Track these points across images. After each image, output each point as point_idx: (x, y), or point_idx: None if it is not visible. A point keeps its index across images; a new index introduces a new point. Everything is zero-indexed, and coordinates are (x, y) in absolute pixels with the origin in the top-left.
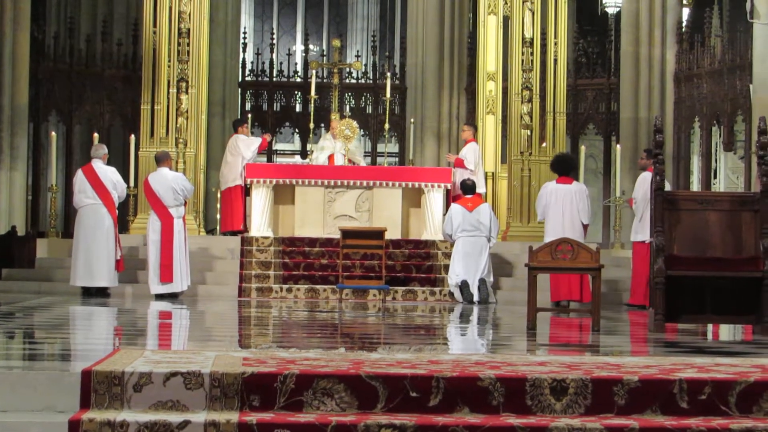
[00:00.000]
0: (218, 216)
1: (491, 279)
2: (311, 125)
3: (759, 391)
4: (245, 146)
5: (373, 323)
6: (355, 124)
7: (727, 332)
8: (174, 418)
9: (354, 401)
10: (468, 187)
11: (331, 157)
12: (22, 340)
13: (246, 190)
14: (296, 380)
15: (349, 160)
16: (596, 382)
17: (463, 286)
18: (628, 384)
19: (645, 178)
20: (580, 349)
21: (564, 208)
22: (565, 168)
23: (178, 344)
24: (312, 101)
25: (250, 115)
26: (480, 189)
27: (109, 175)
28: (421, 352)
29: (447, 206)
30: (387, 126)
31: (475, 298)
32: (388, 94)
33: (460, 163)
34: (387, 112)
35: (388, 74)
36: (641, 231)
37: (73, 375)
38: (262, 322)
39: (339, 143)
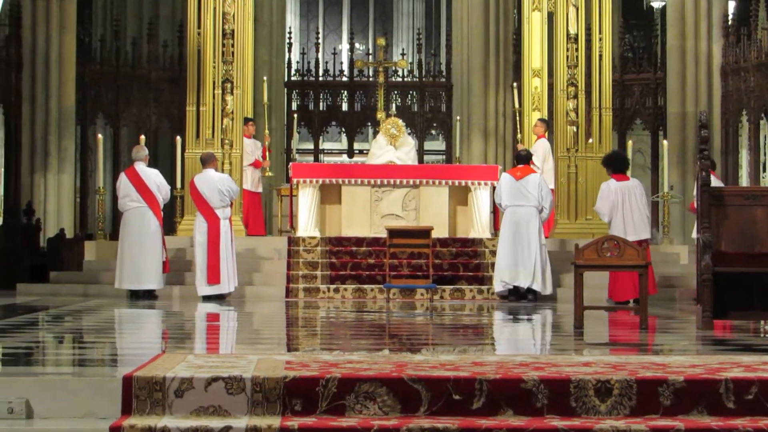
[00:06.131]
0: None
1: (548, 272)
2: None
3: None
4: (245, 155)
5: (420, 323)
6: (401, 122)
7: None
8: (215, 423)
9: (397, 405)
10: (520, 156)
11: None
12: (71, 344)
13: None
14: (338, 384)
15: None
16: (641, 383)
17: (512, 292)
18: (674, 384)
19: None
20: (627, 348)
21: (632, 205)
22: (623, 165)
23: (225, 347)
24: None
25: (295, 115)
26: (551, 185)
27: (153, 177)
28: (466, 353)
29: (494, 204)
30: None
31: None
32: None
33: None
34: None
35: None
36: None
37: (114, 381)
38: (310, 324)
39: (392, 150)
